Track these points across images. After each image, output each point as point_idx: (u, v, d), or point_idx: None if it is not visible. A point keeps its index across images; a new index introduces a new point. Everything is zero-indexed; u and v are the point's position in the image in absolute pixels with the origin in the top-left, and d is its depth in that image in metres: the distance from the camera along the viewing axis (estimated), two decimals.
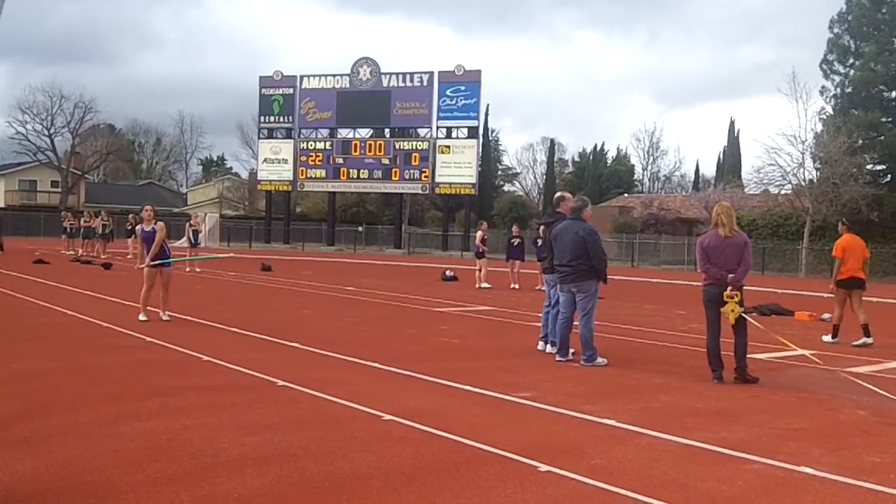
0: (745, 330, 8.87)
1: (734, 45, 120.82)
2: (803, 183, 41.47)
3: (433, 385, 8.16)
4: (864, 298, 13.07)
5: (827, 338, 12.94)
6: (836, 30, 46.50)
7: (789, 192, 42.80)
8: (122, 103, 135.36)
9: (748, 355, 8.96)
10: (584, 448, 5.93)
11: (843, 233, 13.29)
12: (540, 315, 11.48)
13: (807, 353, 10.36)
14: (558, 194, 11.06)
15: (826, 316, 16.25)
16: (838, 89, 46.04)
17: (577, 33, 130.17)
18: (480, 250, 22.93)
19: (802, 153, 40.85)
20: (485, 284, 22.34)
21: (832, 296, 13.22)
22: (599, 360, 9.61)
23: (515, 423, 6.68)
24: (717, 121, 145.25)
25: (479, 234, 23.45)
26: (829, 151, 39.89)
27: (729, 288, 8.68)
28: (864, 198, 39.06)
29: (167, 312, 12.77)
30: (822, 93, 46.01)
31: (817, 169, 42.12)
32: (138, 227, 12.94)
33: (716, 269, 8.79)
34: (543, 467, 5.36)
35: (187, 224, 27.67)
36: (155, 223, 12.79)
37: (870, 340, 12.42)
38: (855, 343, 12.43)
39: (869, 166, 43.36)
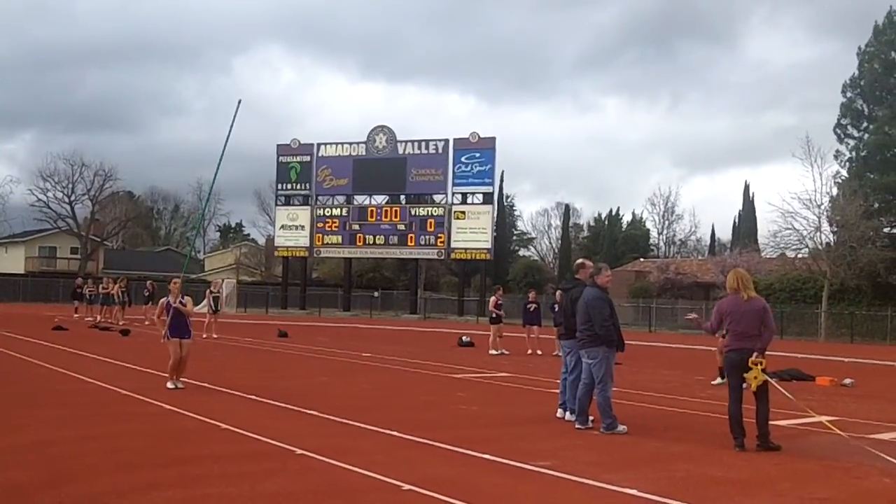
0: (766, 397, 8.77)
1: (757, 110, 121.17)
2: (820, 247, 41.38)
3: (451, 453, 8.10)
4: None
5: (716, 381, 14.71)
6: (849, 94, 46.90)
7: (806, 255, 42.67)
8: (143, 169, 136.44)
9: (770, 422, 8.86)
10: None
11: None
12: (558, 381, 11.42)
13: (824, 419, 10.25)
14: (579, 261, 11.07)
15: (847, 381, 16.09)
16: (853, 153, 46.24)
17: (600, 99, 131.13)
18: (494, 315, 22.85)
19: (818, 217, 40.92)
20: (495, 351, 22.08)
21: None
22: (619, 427, 9.51)
23: (535, 493, 6.61)
24: (733, 185, 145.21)
25: (492, 299, 23.48)
26: (846, 215, 39.92)
27: (755, 354, 8.62)
28: (883, 261, 38.95)
29: (181, 379, 12.88)
30: (836, 157, 46.23)
31: (834, 232, 42.06)
32: (163, 300, 13.03)
33: (733, 336, 8.76)
34: None
35: (207, 290, 27.72)
36: (182, 297, 12.95)
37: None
38: (713, 382, 14.75)
39: (886, 229, 43.24)
